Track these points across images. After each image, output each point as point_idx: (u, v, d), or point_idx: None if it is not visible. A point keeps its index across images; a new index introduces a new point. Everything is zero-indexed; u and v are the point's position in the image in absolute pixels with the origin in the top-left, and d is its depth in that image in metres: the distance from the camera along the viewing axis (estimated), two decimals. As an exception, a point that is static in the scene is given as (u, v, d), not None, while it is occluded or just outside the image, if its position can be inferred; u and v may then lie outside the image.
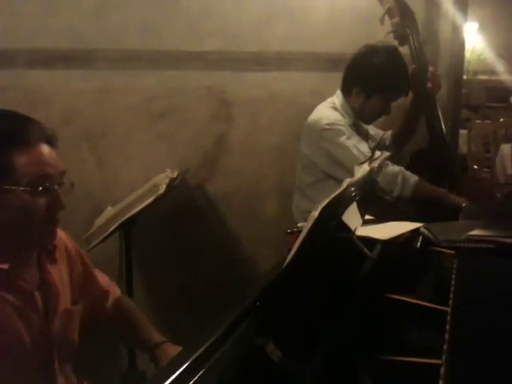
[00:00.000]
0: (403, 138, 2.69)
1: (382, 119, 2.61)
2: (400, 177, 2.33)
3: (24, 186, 1.27)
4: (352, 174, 2.29)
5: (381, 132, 2.70)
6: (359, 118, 2.54)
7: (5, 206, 1.27)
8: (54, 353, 1.40)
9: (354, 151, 2.33)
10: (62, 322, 1.42)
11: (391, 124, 2.71)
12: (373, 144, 2.64)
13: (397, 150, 2.66)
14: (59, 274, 1.46)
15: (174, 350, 1.51)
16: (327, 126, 2.39)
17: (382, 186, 2.33)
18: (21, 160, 1.26)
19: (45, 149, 1.31)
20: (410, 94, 2.57)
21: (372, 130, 2.67)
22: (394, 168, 2.35)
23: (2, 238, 1.31)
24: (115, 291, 1.72)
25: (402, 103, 2.60)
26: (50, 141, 1.34)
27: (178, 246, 2.94)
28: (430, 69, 2.53)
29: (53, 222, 1.35)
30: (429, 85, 2.50)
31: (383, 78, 2.41)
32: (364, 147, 2.36)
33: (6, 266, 1.29)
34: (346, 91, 2.48)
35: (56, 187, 1.32)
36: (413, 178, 2.35)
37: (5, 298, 1.29)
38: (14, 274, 1.32)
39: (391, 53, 2.43)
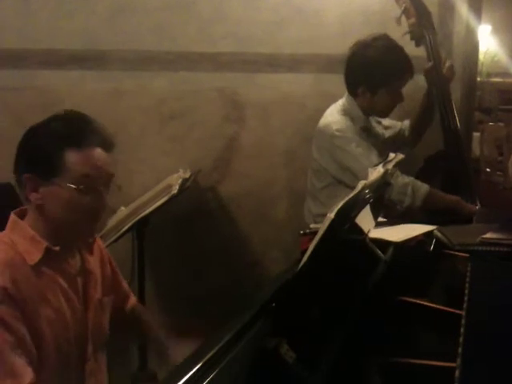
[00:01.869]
0: (420, 129, 2.65)
1: (397, 111, 2.58)
2: (410, 187, 2.31)
3: (70, 183, 1.37)
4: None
5: (398, 123, 2.66)
6: (375, 115, 2.53)
7: (53, 199, 1.39)
8: (89, 337, 1.47)
9: (363, 160, 2.30)
10: (95, 310, 1.50)
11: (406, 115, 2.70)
12: (391, 133, 2.63)
13: (415, 141, 2.65)
14: (95, 264, 1.55)
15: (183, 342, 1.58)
16: (337, 133, 2.37)
17: (392, 197, 2.30)
18: (71, 159, 1.37)
19: (97, 152, 1.41)
20: (425, 87, 2.56)
21: (387, 121, 2.64)
22: (403, 179, 2.32)
23: (53, 226, 1.40)
24: (132, 298, 1.79)
25: (416, 96, 2.58)
26: (105, 146, 1.44)
27: (188, 248, 2.94)
28: (444, 60, 2.51)
29: (94, 219, 1.46)
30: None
31: (383, 69, 2.36)
32: (373, 156, 2.33)
33: (57, 248, 1.39)
34: (352, 93, 2.45)
35: (101, 188, 1.41)
36: (423, 188, 2.32)
37: (54, 278, 1.39)
38: (62, 258, 1.42)
39: (382, 40, 2.39)
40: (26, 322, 1.29)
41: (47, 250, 1.37)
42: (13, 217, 1.43)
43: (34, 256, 1.35)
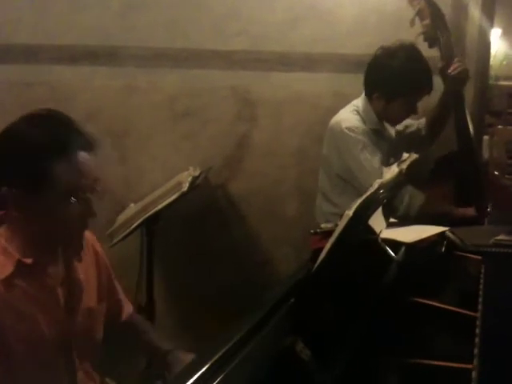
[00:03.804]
0: (436, 127, 2.62)
1: None
2: (407, 196, 2.28)
3: (59, 195, 1.29)
4: (360, 184, 2.25)
5: (415, 121, 2.63)
6: (386, 121, 2.51)
7: (37, 213, 1.31)
8: (73, 348, 1.42)
9: (365, 164, 2.29)
10: (83, 319, 1.44)
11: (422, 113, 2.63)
12: (408, 131, 2.61)
13: (432, 139, 2.62)
14: (85, 271, 1.47)
15: (186, 356, 1.49)
16: (346, 131, 2.35)
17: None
18: (59, 169, 1.28)
19: (82, 157, 1.32)
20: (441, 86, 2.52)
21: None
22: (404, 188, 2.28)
23: (31, 236, 1.33)
24: (129, 307, 1.70)
25: (432, 95, 2.50)
26: (87, 147, 1.34)
27: (197, 245, 2.94)
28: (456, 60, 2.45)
29: (82, 228, 1.39)
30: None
31: (403, 81, 2.34)
32: (375, 161, 2.31)
33: (29, 261, 1.32)
34: (368, 96, 2.44)
35: (89, 196, 1.34)
36: (419, 200, 2.30)
37: (26, 290, 1.32)
38: (37, 269, 1.34)
39: (410, 52, 2.36)
40: None
41: (19, 264, 1.30)
42: None
43: (5, 269, 1.29)
